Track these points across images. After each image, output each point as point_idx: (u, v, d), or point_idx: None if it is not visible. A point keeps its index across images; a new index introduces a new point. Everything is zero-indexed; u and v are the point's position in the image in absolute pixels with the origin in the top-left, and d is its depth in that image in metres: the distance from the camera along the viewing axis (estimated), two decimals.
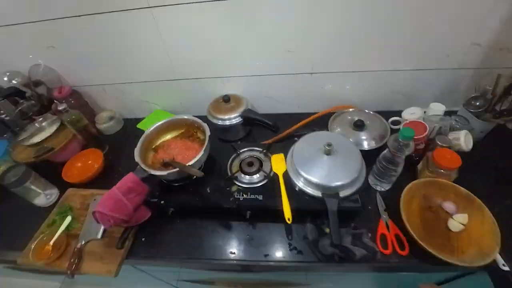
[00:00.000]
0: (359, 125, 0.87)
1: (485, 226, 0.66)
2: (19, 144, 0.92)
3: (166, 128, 0.83)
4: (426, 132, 0.77)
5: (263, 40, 0.83)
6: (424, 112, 0.88)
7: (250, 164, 0.79)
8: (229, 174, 0.77)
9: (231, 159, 0.81)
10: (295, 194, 0.71)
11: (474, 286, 0.70)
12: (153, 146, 0.80)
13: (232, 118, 0.89)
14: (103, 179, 0.92)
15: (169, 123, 0.83)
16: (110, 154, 0.99)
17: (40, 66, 0.96)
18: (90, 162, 0.96)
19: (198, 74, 0.95)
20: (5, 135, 1.03)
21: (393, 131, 0.86)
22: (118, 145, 1.04)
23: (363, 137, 0.86)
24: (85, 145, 0.99)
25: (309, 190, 0.69)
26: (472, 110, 0.82)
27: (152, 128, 0.81)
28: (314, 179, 0.68)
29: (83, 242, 0.74)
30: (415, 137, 0.77)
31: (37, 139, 0.92)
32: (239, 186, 0.75)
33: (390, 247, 0.67)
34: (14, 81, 0.95)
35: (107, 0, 0.76)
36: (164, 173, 0.68)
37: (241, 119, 0.89)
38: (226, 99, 0.90)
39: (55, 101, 0.85)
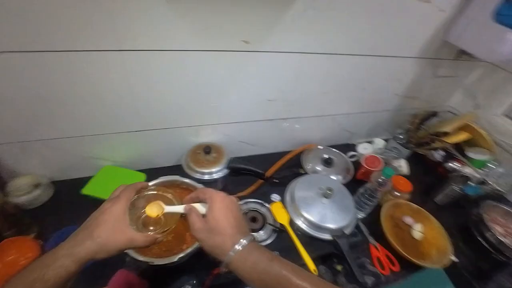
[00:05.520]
0: (329, 162, 0.99)
1: (435, 230, 0.87)
2: None
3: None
4: (381, 165, 0.96)
5: (245, 91, 0.83)
6: (371, 144, 1.10)
7: (253, 219, 0.75)
8: None
9: None
10: (308, 242, 0.73)
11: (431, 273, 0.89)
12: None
13: (219, 170, 0.82)
14: None
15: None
16: (43, 238, 0.70)
17: None
18: (11, 258, 0.65)
19: (170, 123, 0.83)
20: None
21: (352, 163, 1.03)
22: (53, 222, 0.75)
23: (333, 173, 0.98)
24: None
25: (319, 234, 0.73)
26: (399, 142, 1.09)
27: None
28: (323, 224, 0.72)
29: None
30: (375, 169, 0.95)
31: None
32: None
33: (386, 267, 0.79)
34: None
35: (44, 35, 0.56)
36: (175, 258, 0.55)
37: (227, 171, 0.84)
38: (207, 150, 0.83)
39: None
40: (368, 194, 0.84)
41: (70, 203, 0.79)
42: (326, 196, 0.77)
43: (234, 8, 0.64)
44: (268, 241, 0.72)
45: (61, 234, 0.60)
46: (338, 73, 0.91)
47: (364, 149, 1.05)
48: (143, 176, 0.85)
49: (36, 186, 0.77)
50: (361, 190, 0.86)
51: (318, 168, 0.98)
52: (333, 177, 0.96)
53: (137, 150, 0.87)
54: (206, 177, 0.81)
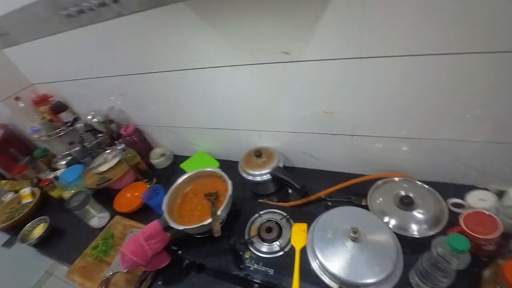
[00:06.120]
0: (406, 203, 0.73)
1: None
2: (88, 171, 1.12)
3: (196, 177, 0.87)
4: (497, 231, 0.58)
5: (297, 101, 0.81)
6: (496, 196, 0.67)
7: (269, 230, 0.74)
8: (246, 237, 0.74)
9: (251, 219, 0.79)
10: (309, 277, 0.63)
11: None
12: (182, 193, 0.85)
13: (262, 174, 0.87)
14: (145, 212, 1.00)
15: (197, 175, 0.86)
16: None
17: (114, 108, 1.16)
18: (137, 194, 1.07)
19: (237, 125, 0.98)
20: (85, 158, 1.27)
21: (452, 214, 0.69)
22: (165, 179, 1.14)
23: (411, 219, 0.71)
24: (137, 178, 1.12)
25: (325, 278, 0.60)
26: None
27: (180, 180, 0.85)
28: (331, 269, 0.59)
29: (111, 273, 0.81)
30: (481, 237, 0.59)
31: (101, 169, 1.10)
32: (252, 253, 0.71)
33: None
34: (95, 119, 1.17)
35: (157, 64, 0.90)
36: (180, 227, 0.70)
37: (270, 177, 0.86)
38: (258, 154, 0.89)
39: (115, 142, 1.02)
40: (430, 264, 0.56)
41: (178, 171, 1.15)
42: (352, 238, 0.60)
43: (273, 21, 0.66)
44: (272, 255, 0.69)
45: (150, 188, 0.95)
46: (425, 79, 0.65)
47: (478, 199, 0.66)
48: (217, 164, 1.06)
49: (162, 155, 1.19)
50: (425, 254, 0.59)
51: (389, 208, 0.75)
52: (413, 227, 0.70)
53: (217, 143, 1.09)
54: (250, 177, 0.88)
